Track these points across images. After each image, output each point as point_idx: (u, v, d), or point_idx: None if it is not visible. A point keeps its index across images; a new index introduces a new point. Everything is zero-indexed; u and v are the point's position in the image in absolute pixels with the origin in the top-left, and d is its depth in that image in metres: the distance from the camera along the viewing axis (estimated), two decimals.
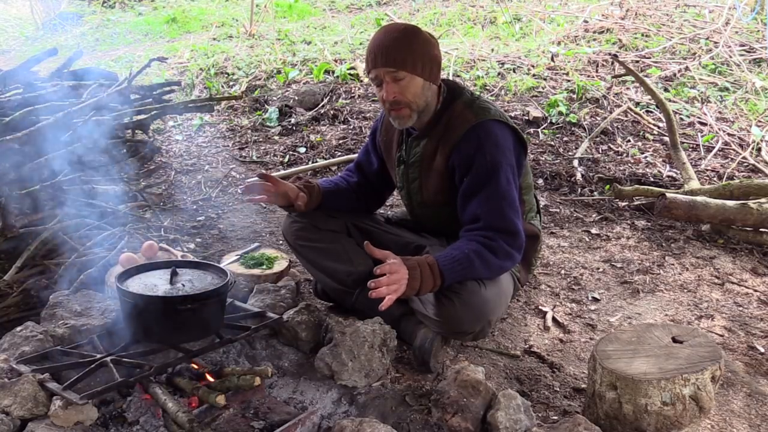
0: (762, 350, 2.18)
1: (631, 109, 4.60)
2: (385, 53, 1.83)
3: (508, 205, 1.85)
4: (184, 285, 1.76)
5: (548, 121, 4.48)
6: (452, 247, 1.84)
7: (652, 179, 3.69)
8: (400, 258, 1.77)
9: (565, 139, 4.28)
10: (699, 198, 2.94)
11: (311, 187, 2.11)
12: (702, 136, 4.28)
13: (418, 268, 1.76)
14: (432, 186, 1.99)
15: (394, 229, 2.20)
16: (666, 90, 4.98)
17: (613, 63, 5.32)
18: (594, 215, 3.32)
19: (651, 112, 4.66)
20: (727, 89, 5.02)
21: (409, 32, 1.87)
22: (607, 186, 3.57)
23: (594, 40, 6.09)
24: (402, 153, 2.05)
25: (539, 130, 4.37)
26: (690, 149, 4.14)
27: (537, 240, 2.15)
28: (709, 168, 3.89)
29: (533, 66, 5.44)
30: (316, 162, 4.03)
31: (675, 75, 5.23)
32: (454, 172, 1.91)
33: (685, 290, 2.59)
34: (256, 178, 2.04)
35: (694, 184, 3.36)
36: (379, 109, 4.84)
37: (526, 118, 4.50)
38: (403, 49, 1.83)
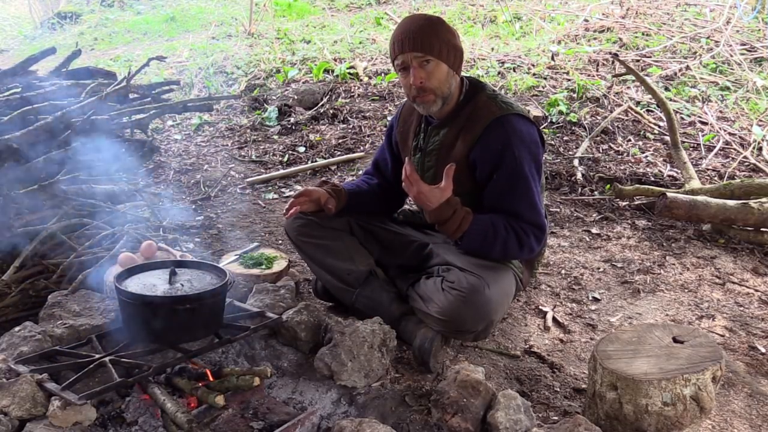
0: (763, 350, 2.17)
1: (631, 109, 4.59)
2: (413, 38, 1.86)
3: (539, 201, 1.93)
4: (183, 285, 1.75)
5: (548, 121, 4.47)
6: (491, 218, 1.89)
7: (652, 179, 3.68)
8: (449, 197, 1.83)
9: (566, 138, 4.27)
10: (700, 197, 2.94)
11: (339, 191, 2.13)
12: (703, 136, 4.27)
13: (452, 212, 1.84)
14: None
15: (399, 228, 2.20)
16: (667, 89, 4.97)
17: (613, 62, 5.31)
18: (594, 215, 3.32)
19: (652, 111, 4.65)
20: (728, 88, 5.00)
21: (435, 21, 1.91)
22: (608, 185, 3.56)
23: (594, 39, 6.09)
24: (419, 142, 2.06)
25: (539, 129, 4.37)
26: (691, 148, 4.13)
27: None
28: (710, 167, 3.88)
29: (533, 65, 5.43)
30: (316, 161, 4.02)
31: (676, 74, 5.23)
32: (475, 164, 1.92)
33: (686, 290, 2.58)
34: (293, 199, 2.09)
35: (695, 183, 3.36)
36: (379, 108, 4.84)
37: None
38: (430, 35, 1.86)
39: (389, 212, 2.29)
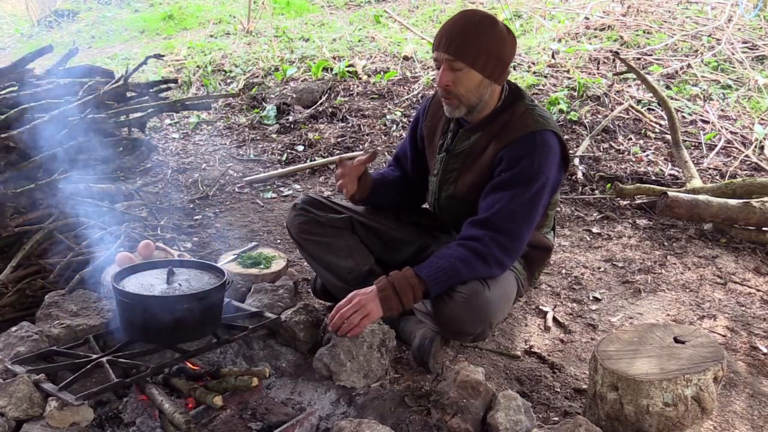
0: (765, 351, 2.16)
1: (632, 107, 4.58)
2: (449, 39, 1.78)
3: (525, 212, 1.82)
4: (180, 285, 1.75)
5: None
6: (438, 255, 1.81)
7: (653, 178, 3.67)
8: (359, 290, 1.75)
9: (566, 137, 4.26)
10: (701, 197, 2.92)
11: (365, 174, 2.06)
12: (704, 134, 4.25)
13: (388, 287, 1.74)
14: (469, 180, 1.94)
15: (402, 227, 2.17)
16: (668, 87, 4.95)
17: (614, 60, 5.29)
18: (595, 214, 3.31)
19: (653, 109, 4.63)
20: (729, 87, 4.99)
21: (484, 24, 1.80)
22: (609, 185, 3.55)
23: (595, 37, 6.07)
24: (447, 141, 2.01)
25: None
26: (692, 147, 4.12)
27: (548, 253, 2.11)
28: (711, 166, 3.86)
29: (534, 63, 5.42)
30: (314, 160, 4.01)
31: (677, 72, 5.21)
32: (498, 165, 1.86)
33: (687, 290, 2.57)
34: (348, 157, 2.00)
35: (696, 182, 3.34)
36: (378, 107, 4.82)
37: None
38: (468, 39, 1.77)
39: (412, 206, 2.25)
